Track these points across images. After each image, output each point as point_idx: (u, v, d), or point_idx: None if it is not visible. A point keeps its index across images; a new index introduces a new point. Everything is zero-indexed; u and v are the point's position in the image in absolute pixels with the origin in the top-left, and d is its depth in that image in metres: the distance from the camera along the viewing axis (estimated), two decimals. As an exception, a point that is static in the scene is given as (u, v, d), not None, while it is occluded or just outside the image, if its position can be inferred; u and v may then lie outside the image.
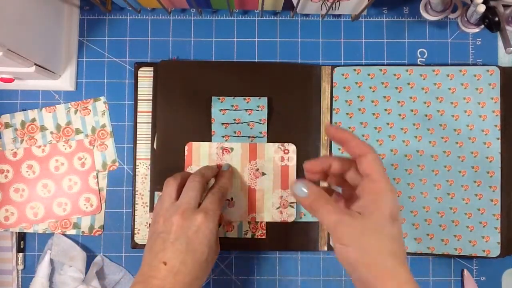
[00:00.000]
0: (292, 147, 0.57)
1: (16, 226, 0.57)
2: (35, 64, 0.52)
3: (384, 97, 0.57)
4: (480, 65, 0.58)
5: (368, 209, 0.38)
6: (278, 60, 0.59)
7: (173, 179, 0.50)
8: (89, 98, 0.59)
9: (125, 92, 0.59)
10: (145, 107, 0.58)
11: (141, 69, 0.58)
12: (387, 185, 0.39)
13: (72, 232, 0.58)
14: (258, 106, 0.57)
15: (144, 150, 0.58)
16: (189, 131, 0.57)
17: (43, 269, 0.56)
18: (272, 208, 0.56)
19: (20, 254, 0.58)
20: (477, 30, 0.56)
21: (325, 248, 0.57)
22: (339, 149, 0.57)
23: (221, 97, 0.57)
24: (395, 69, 0.58)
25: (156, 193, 0.57)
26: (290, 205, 0.56)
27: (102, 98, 0.59)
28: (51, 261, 0.57)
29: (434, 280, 0.57)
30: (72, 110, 0.59)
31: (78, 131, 0.58)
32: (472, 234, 0.56)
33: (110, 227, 0.58)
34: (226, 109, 0.57)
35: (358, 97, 0.58)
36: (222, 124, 0.57)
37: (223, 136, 0.57)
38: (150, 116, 0.58)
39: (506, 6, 0.53)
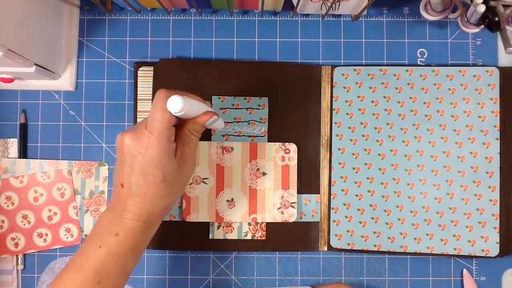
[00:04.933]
0: (293, 147, 0.57)
1: None
2: (35, 64, 0.51)
3: (384, 97, 0.57)
4: (480, 66, 0.58)
5: None
6: (278, 60, 0.59)
7: (166, 91, 0.44)
8: (93, 161, 0.58)
9: (125, 92, 0.59)
10: (145, 107, 0.58)
11: (141, 69, 0.58)
12: None
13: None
14: (259, 105, 0.57)
15: (144, 150, 0.58)
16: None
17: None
18: (273, 208, 0.56)
19: (20, 254, 0.58)
20: (477, 30, 0.56)
21: (325, 248, 0.57)
22: (339, 149, 0.57)
23: (221, 96, 0.57)
24: (395, 69, 0.58)
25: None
26: (291, 205, 0.56)
27: (107, 164, 0.58)
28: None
29: (434, 280, 0.58)
30: (75, 169, 0.58)
31: (76, 192, 0.58)
32: (471, 234, 0.56)
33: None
34: (226, 108, 0.57)
35: (358, 97, 0.58)
36: (223, 122, 0.57)
37: (223, 135, 0.57)
38: (150, 116, 0.58)
39: (506, 6, 0.53)
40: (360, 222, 0.57)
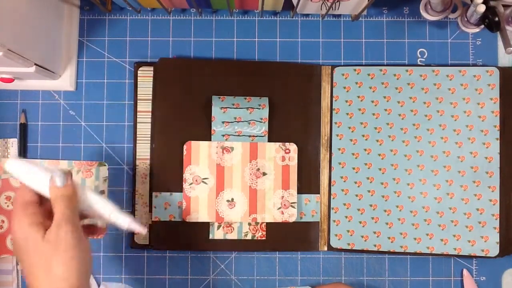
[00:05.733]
0: (293, 147, 0.57)
1: None
2: (35, 64, 0.51)
3: (384, 97, 0.57)
4: (480, 66, 0.58)
5: None
6: (278, 60, 0.59)
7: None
8: (93, 161, 0.58)
9: (125, 92, 0.59)
10: (145, 107, 0.58)
11: (141, 68, 0.58)
12: None
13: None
14: (259, 105, 0.57)
15: (144, 150, 0.58)
16: (188, 130, 0.57)
17: None
18: (273, 208, 0.56)
19: (20, 254, 0.58)
20: (477, 30, 0.56)
21: (325, 248, 0.57)
22: (339, 149, 0.57)
23: (221, 96, 0.57)
24: (395, 69, 0.58)
25: (154, 193, 0.57)
26: (291, 205, 0.56)
27: (107, 165, 0.58)
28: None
29: (434, 280, 0.58)
30: (75, 169, 0.58)
31: None
32: (471, 234, 0.56)
33: (110, 227, 0.58)
34: (227, 107, 0.57)
35: (358, 97, 0.58)
36: (223, 122, 0.57)
37: (223, 135, 0.57)
38: (150, 116, 0.58)
39: (506, 6, 0.53)
40: (360, 222, 0.57)
